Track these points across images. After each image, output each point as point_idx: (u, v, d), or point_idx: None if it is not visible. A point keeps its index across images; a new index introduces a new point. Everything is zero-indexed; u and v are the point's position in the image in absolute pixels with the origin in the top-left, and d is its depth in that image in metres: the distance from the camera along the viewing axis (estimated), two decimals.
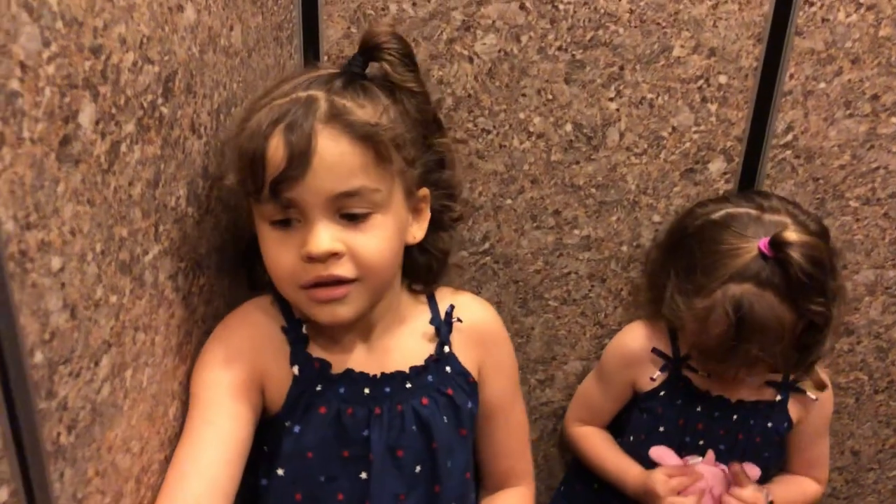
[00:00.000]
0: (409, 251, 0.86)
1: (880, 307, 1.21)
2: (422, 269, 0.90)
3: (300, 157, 0.71)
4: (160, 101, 0.68)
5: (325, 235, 0.74)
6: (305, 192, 0.72)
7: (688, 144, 1.11)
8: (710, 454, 1.12)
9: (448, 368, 0.90)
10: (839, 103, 1.08)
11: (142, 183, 0.66)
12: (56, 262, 0.54)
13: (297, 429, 0.83)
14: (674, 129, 1.11)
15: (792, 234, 0.91)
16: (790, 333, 0.95)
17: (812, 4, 1.04)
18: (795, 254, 0.90)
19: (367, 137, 0.73)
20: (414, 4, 1.05)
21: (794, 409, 1.14)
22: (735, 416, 1.12)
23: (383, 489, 0.85)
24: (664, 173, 1.13)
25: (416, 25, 1.05)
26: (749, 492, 1.08)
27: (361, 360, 0.86)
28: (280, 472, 0.83)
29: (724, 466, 1.12)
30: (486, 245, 1.19)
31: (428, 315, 0.91)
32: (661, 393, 1.14)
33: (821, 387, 1.11)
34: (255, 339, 0.83)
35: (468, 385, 0.91)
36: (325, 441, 0.83)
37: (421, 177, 0.83)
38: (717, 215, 1.01)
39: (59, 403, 0.56)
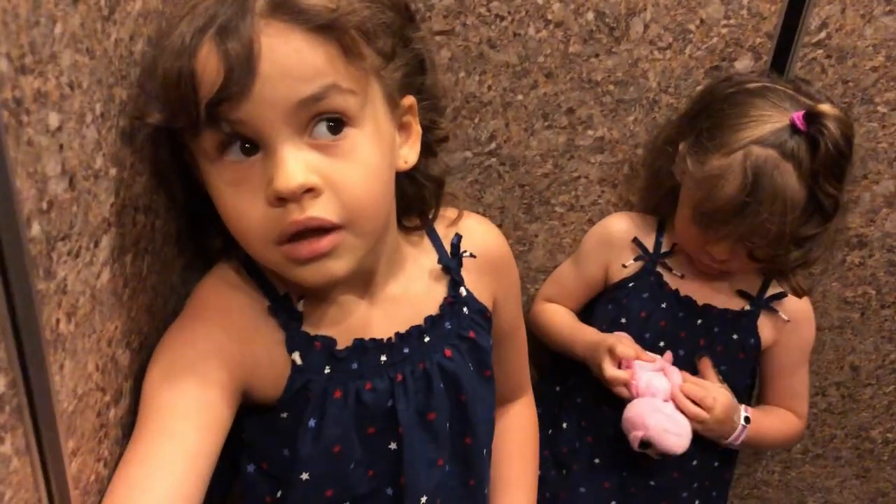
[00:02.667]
0: (397, 182, 0.70)
1: None
2: (413, 202, 0.76)
3: (242, 67, 0.54)
4: None
5: (296, 164, 0.57)
6: (257, 107, 0.56)
7: (715, 39, 1.04)
8: (668, 355, 1.08)
9: (465, 309, 0.79)
10: None
11: (143, 40, 0.58)
12: (54, 119, 0.46)
13: (312, 422, 0.69)
14: (702, 21, 1.03)
15: (828, 108, 0.89)
16: (798, 214, 0.93)
17: None
18: (832, 124, 0.88)
19: (325, 28, 0.56)
20: None
21: (764, 328, 1.10)
22: (700, 321, 1.09)
23: (417, 458, 0.75)
24: (688, 70, 1.06)
25: None
26: (711, 385, 1.05)
27: (368, 322, 0.73)
28: (305, 476, 0.70)
29: (681, 373, 1.05)
30: (493, 145, 1.12)
31: (431, 252, 0.79)
32: (630, 284, 1.11)
33: (799, 294, 1.08)
34: (238, 328, 0.67)
35: (485, 321, 0.82)
36: (348, 427, 0.71)
37: (403, 82, 0.67)
38: (753, 85, 0.98)
39: (58, 286, 0.49)
